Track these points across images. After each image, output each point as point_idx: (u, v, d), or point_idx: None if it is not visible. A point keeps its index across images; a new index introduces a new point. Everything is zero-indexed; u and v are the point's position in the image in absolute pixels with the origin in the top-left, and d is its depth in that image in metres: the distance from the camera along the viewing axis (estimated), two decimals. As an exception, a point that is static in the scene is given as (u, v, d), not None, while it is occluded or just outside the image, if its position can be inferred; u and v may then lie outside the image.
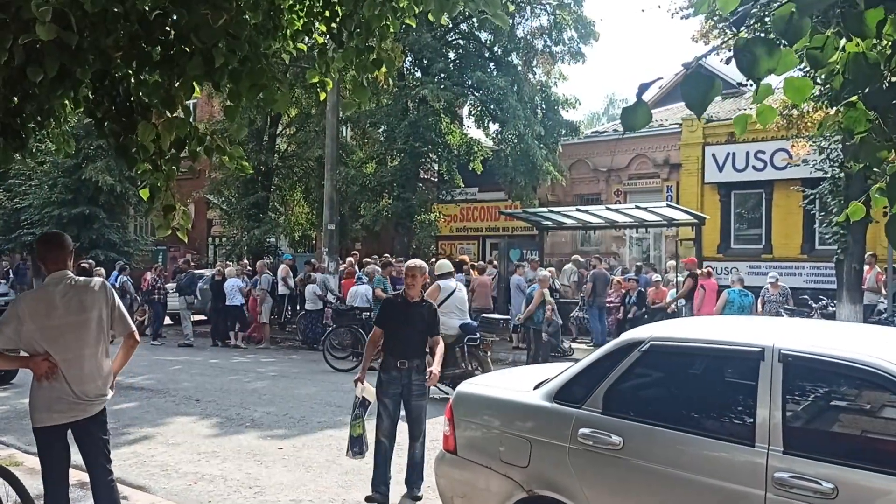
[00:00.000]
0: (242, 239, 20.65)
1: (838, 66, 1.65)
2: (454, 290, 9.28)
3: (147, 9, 3.17)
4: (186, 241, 4.74)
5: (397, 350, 5.58)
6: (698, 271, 12.95)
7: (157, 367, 12.39)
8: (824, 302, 13.41)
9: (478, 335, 9.32)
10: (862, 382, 3.34)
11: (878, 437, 3.44)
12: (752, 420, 3.34)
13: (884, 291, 12.88)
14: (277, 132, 21.69)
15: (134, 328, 4.42)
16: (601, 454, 3.72)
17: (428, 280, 6.62)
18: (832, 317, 12.79)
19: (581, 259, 16.55)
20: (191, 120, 3.48)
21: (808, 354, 3.34)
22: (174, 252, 24.39)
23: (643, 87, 1.33)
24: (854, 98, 1.70)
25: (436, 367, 5.46)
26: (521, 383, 4.50)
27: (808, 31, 1.27)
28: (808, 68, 1.73)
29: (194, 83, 3.35)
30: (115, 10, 2.97)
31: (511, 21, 18.60)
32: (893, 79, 1.62)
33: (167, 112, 3.28)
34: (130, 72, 3.64)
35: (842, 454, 3.14)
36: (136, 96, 3.71)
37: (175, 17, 3.10)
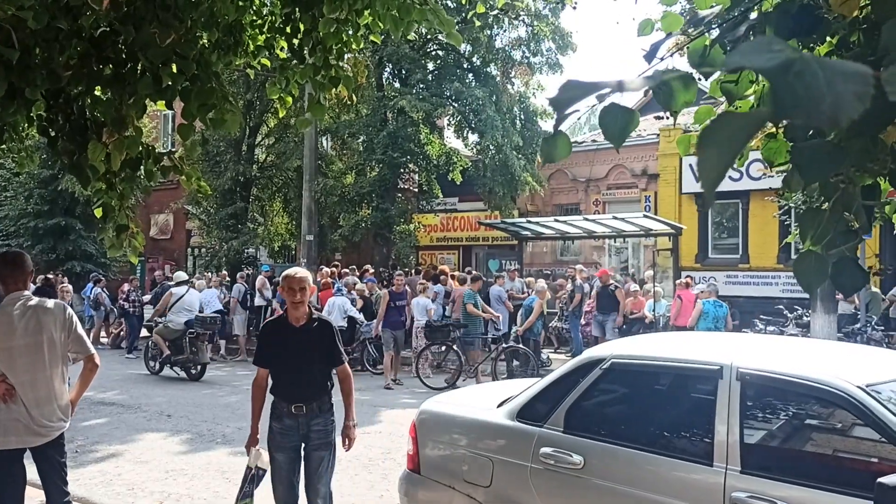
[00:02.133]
0: (221, 250, 20.48)
1: (754, 99, 1.65)
2: (184, 295, 12.66)
3: (95, 26, 3.12)
4: (136, 262, 4.66)
5: (289, 391, 4.32)
6: (616, 284, 13.16)
7: (131, 382, 12.23)
8: (799, 312, 13.51)
9: (195, 329, 12.39)
10: (819, 401, 3.33)
11: (834, 456, 3.44)
12: (710, 439, 3.33)
13: (857, 301, 12.99)
14: (256, 142, 21.58)
15: (94, 351, 4.34)
16: (562, 474, 3.69)
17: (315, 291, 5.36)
18: (807, 326, 12.88)
19: (584, 269, 16.43)
20: (142, 139, 3.43)
21: (765, 373, 3.33)
22: (153, 263, 24.15)
23: (560, 119, 1.31)
24: (772, 130, 1.70)
25: (350, 421, 4.33)
26: (485, 401, 4.47)
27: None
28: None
29: (146, 102, 3.30)
30: (61, 27, 2.92)
31: (489, 32, 18.64)
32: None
33: (117, 132, 3.23)
34: (85, 89, 3.59)
35: (798, 473, 3.12)
36: (91, 115, 3.66)
37: (124, 36, 3.05)
